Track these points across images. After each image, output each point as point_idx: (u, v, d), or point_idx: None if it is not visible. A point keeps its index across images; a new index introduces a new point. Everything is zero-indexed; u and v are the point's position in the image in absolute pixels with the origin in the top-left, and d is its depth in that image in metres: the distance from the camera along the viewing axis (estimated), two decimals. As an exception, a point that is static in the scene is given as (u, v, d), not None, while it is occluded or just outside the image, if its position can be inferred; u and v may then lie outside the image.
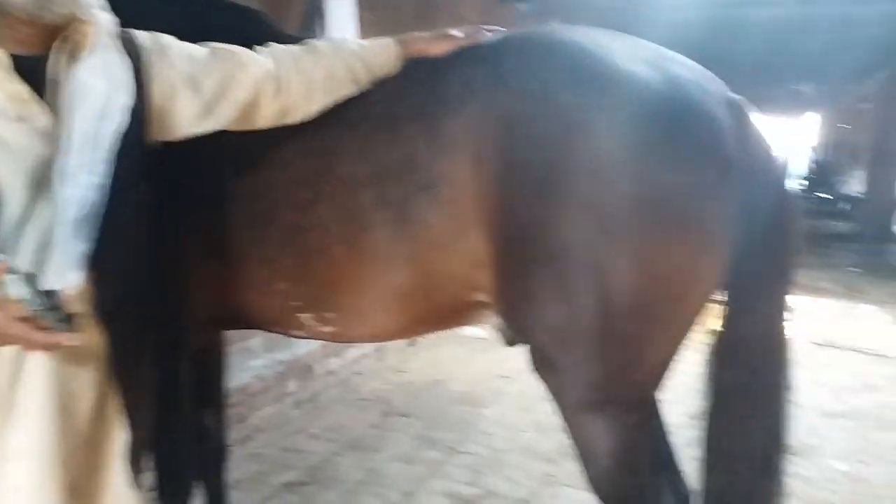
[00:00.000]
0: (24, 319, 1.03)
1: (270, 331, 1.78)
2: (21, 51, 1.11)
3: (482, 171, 1.35)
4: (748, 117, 1.39)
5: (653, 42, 1.47)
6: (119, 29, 1.24)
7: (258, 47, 1.43)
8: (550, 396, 1.44)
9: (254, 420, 3.33)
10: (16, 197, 1.08)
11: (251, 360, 3.35)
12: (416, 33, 1.56)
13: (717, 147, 1.31)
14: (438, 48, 1.51)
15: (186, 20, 1.57)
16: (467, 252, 1.42)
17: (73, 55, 1.14)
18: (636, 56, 1.36)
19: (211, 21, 1.63)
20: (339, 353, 4.01)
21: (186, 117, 1.31)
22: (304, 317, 1.61)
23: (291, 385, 3.61)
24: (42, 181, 1.10)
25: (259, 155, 1.53)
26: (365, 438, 3.32)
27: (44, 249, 1.09)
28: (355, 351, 4.19)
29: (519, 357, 1.53)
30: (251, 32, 1.56)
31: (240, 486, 2.79)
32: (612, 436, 1.37)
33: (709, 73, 1.42)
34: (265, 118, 1.41)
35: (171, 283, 1.54)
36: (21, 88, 1.09)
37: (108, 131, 1.15)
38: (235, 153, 1.54)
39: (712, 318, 1.47)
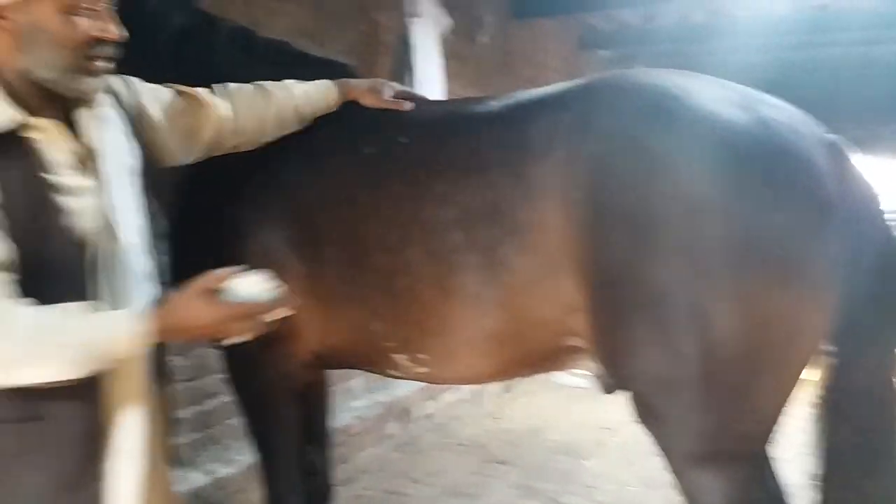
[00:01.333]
0: (245, 315, 1.21)
1: (369, 371, 1.84)
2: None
3: (571, 216, 1.36)
4: (848, 159, 1.34)
5: (746, 85, 1.44)
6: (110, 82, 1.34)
7: (217, 87, 1.61)
8: (657, 448, 1.40)
9: (356, 461, 3.40)
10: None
11: (352, 400, 3.45)
12: (355, 80, 1.78)
13: (815, 189, 1.27)
14: (369, 99, 1.72)
15: (277, 74, 1.74)
16: (559, 297, 1.42)
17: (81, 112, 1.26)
18: (725, 98, 1.35)
19: (299, 75, 1.77)
20: (436, 396, 4.05)
21: (168, 149, 1.51)
22: (399, 357, 1.66)
23: (391, 427, 3.67)
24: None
25: (352, 200, 1.62)
26: (464, 485, 3.31)
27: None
28: (452, 395, 4.21)
29: (621, 408, 1.50)
30: None
31: (345, 526, 2.85)
32: (723, 490, 1.31)
33: (803, 115, 1.38)
34: (223, 151, 1.64)
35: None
36: (76, 145, 1.24)
37: (129, 171, 1.33)
38: (331, 199, 1.64)
39: (820, 371, 1.40)
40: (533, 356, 1.57)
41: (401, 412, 3.75)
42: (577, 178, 1.36)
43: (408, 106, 1.70)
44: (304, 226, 1.67)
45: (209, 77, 1.67)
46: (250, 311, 1.21)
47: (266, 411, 1.85)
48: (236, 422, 2.95)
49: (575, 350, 1.52)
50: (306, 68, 1.85)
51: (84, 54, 1.18)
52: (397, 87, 1.77)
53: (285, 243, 1.66)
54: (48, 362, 1.13)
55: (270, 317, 1.24)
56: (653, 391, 1.33)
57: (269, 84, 1.67)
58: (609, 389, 1.63)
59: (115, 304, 1.22)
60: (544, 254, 1.40)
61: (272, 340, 1.72)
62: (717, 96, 1.35)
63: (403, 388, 3.77)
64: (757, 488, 1.36)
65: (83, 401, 1.27)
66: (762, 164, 1.27)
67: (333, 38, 3.45)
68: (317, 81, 1.73)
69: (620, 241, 1.30)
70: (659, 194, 1.27)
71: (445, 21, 4.40)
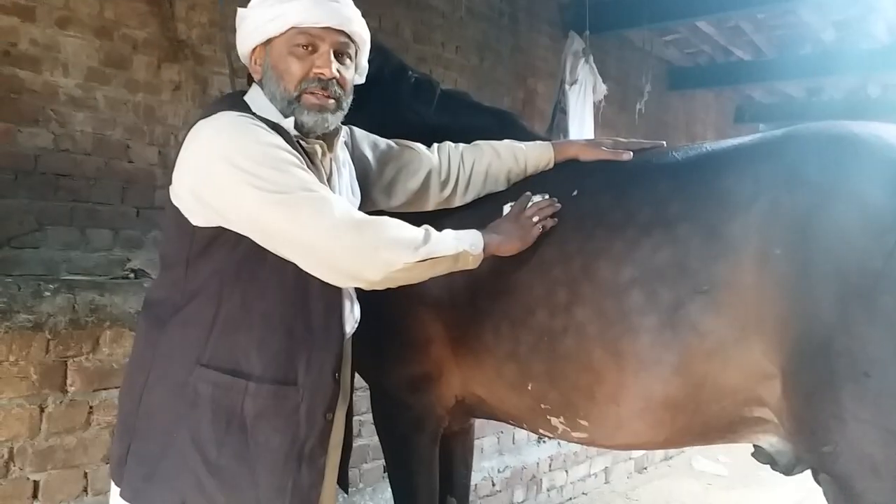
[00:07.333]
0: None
1: (518, 427, 1.77)
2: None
3: (769, 273, 1.25)
4: None
5: None
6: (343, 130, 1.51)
7: (436, 143, 1.68)
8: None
9: (482, 523, 3.30)
10: None
11: (483, 461, 3.38)
12: (571, 139, 1.68)
13: None
14: (588, 154, 1.66)
15: (455, 121, 1.83)
16: (749, 363, 1.30)
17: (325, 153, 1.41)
18: None
19: (473, 121, 1.83)
20: (566, 467, 3.88)
21: (370, 194, 1.59)
22: (556, 420, 1.56)
23: (518, 494, 3.54)
24: None
25: (516, 255, 1.50)
26: (593, 564, 3.11)
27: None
28: (582, 469, 4.02)
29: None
30: (507, 132, 1.75)
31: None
32: None
33: None
34: (431, 205, 1.66)
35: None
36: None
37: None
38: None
39: None
40: (709, 427, 1.43)
41: (528, 479, 3.62)
42: (778, 231, 1.25)
43: (626, 156, 1.61)
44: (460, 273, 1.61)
45: (391, 122, 1.76)
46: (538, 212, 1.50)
47: (408, 453, 1.82)
48: (370, 466, 2.99)
49: (759, 422, 1.39)
50: (479, 116, 1.92)
51: (300, 88, 1.33)
52: (620, 140, 1.69)
53: (438, 287, 1.59)
54: (428, 259, 1.30)
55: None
56: (858, 472, 1.19)
57: (483, 143, 1.69)
58: (787, 469, 1.48)
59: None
60: (736, 315, 1.29)
61: (419, 382, 1.75)
62: None
63: (534, 455, 3.66)
64: None
65: (331, 375, 1.34)
66: None
67: (491, 103, 3.58)
68: (533, 142, 1.71)
69: (830, 302, 1.19)
70: (882, 253, 1.15)
71: (601, 89, 4.45)
